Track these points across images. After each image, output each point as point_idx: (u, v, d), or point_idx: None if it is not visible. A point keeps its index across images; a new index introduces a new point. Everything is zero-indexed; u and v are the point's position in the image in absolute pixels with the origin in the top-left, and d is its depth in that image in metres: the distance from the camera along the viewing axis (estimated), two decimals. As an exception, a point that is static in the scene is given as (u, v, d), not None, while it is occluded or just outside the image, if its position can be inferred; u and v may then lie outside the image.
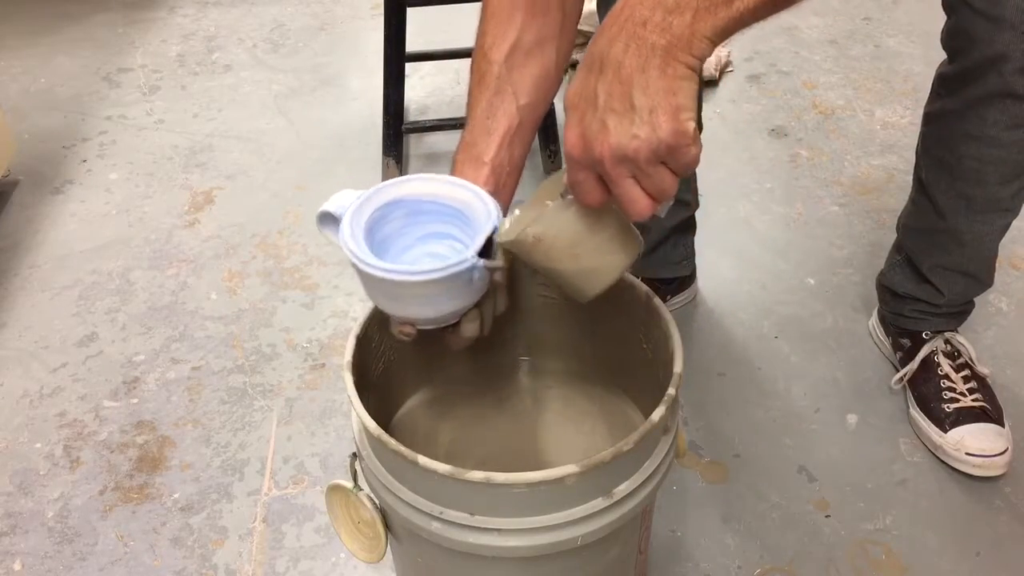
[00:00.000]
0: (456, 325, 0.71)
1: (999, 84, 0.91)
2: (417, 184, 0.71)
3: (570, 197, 0.60)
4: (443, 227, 0.71)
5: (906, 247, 1.14)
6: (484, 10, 0.74)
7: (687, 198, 1.22)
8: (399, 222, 0.71)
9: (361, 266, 0.65)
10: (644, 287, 0.75)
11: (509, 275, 0.72)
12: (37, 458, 1.14)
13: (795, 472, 1.09)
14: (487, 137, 0.72)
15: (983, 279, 1.11)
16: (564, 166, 0.60)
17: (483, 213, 0.68)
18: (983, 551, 1.00)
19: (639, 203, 0.57)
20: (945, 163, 1.03)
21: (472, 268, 0.65)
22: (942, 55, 1.01)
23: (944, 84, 1.01)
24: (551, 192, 0.63)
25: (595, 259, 0.63)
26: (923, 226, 1.10)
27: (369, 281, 0.67)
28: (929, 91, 1.05)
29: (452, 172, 0.73)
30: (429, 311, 0.68)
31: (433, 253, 0.72)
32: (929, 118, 1.06)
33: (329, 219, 0.70)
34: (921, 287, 1.13)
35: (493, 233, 0.66)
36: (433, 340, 0.73)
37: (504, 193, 0.73)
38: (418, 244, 0.72)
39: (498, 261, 0.67)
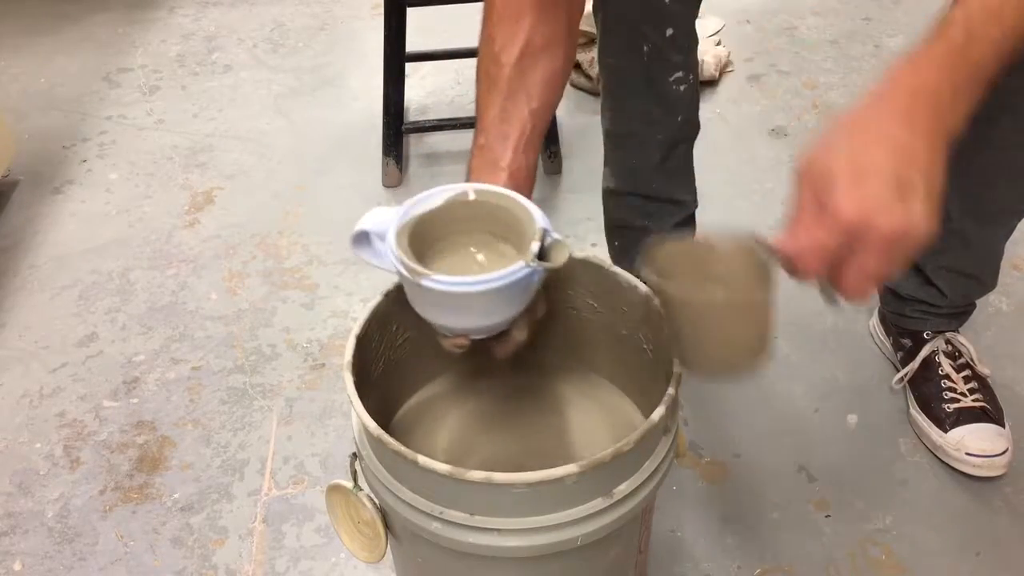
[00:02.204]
0: (504, 333, 0.70)
1: (1011, 87, 0.91)
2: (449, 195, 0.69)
3: (773, 265, 0.58)
4: None
5: (910, 248, 1.14)
6: (489, 13, 0.74)
7: (687, 198, 1.21)
8: None
9: (424, 281, 0.62)
10: (644, 287, 0.75)
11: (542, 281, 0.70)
12: (37, 458, 1.14)
13: (795, 472, 1.09)
14: (503, 142, 0.71)
15: (987, 281, 1.11)
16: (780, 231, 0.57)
17: (523, 216, 0.66)
18: (983, 551, 1.00)
19: (866, 287, 0.57)
20: (953, 166, 1.02)
21: (533, 273, 0.63)
22: (942, 55, 1.01)
23: None
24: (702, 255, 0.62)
25: (726, 350, 0.63)
26: None
27: (428, 296, 0.64)
28: None
29: (468, 178, 0.72)
30: (488, 320, 0.66)
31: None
32: None
33: (364, 239, 0.67)
34: (924, 288, 1.13)
35: (543, 235, 0.64)
36: (435, 342, 0.73)
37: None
38: None
39: (554, 262, 0.64)
